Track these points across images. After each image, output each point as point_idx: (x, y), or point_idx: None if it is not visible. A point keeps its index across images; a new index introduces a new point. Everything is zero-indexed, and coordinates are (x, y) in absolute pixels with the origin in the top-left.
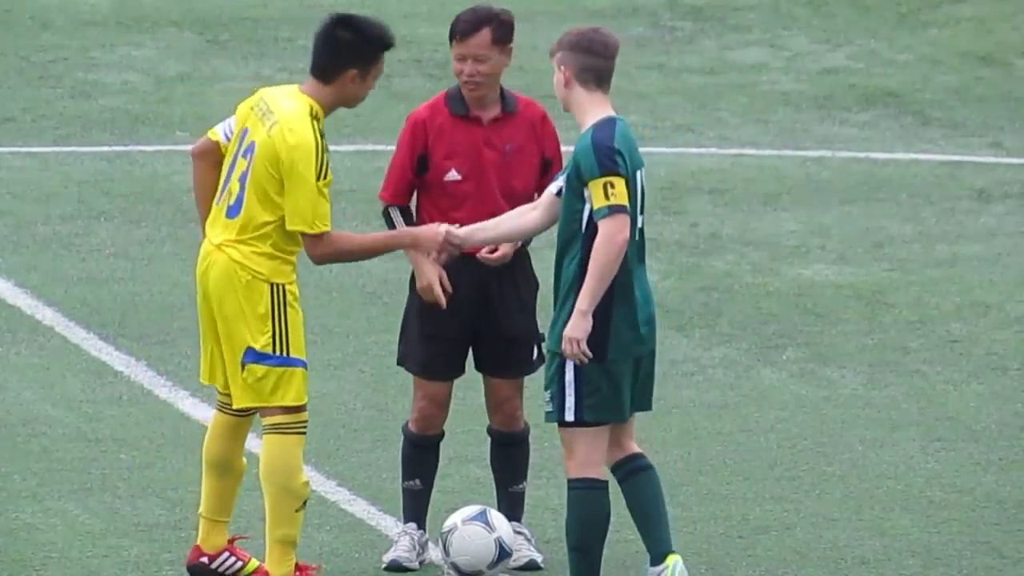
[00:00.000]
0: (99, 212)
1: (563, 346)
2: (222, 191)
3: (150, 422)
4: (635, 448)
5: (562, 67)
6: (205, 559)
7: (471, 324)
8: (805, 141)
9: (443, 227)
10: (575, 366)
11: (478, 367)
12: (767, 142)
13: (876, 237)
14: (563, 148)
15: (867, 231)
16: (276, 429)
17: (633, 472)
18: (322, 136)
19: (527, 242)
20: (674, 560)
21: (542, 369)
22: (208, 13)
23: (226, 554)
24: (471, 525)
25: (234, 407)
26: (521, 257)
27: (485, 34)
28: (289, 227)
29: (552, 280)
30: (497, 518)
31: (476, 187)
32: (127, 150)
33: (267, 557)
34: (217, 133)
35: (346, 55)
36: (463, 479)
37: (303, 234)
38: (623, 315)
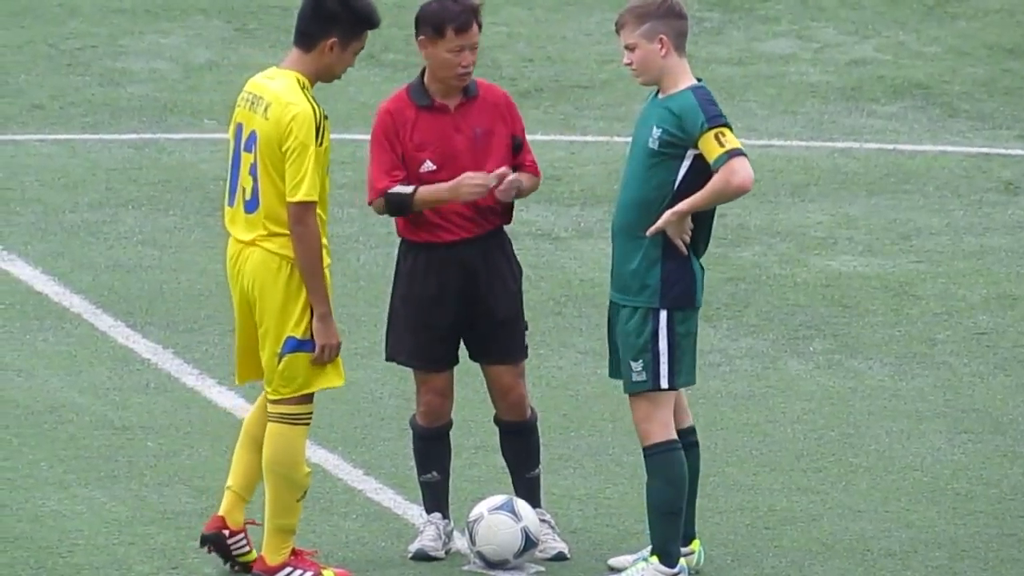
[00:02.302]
0: (127, 200)
1: (669, 230)
2: (232, 192)
3: (177, 410)
4: (690, 420)
5: (659, 37)
6: (227, 532)
7: (460, 311)
8: (833, 132)
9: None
10: (669, 331)
11: (473, 356)
12: (795, 133)
13: (903, 229)
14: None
15: (894, 223)
16: (283, 419)
17: (686, 447)
18: (316, 104)
19: (506, 222)
20: (699, 546)
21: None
22: (236, 1)
23: (241, 535)
24: (497, 514)
25: (270, 399)
26: (504, 241)
27: (476, 25)
28: (289, 198)
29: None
30: (523, 507)
31: (451, 175)
32: (155, 138)
33: (264, 544)
34: None
35: (329, 22)
36: (488, 468)
37: (292, 203)
38: (700, 269)
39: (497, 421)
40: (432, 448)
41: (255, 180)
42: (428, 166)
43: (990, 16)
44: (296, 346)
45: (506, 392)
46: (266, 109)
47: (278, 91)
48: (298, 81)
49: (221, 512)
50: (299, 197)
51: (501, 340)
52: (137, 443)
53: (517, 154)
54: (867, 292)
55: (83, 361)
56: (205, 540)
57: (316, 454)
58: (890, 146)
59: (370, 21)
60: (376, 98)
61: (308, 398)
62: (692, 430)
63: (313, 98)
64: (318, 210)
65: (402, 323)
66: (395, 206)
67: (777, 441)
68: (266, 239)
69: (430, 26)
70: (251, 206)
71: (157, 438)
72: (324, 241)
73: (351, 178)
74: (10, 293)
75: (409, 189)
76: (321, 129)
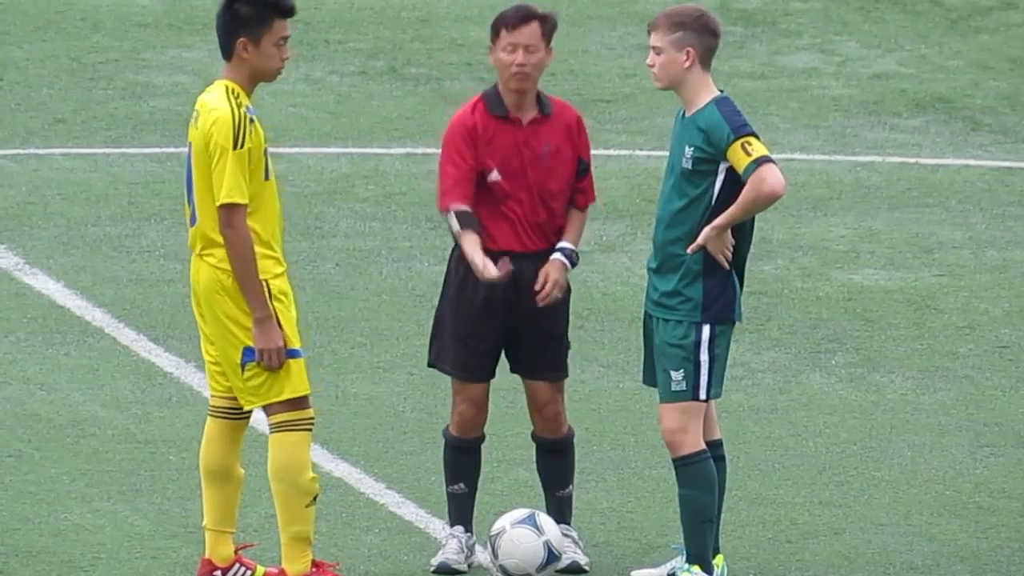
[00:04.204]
0: (149, 213)
1: (710, 246)
2: (187, 207)
3: (199, 423)
4: (719, 433)
5: (687, 49)
6: (218, 572)
7: (507, 324)
8: (855, 146)
9: (281, 340)
10: (710, 344)
11: (515, 369)
12: (817, 147)
13: (926, 242)
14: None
15: (917, 236)
16: (281, 427)
17: (714, 459)
18: (239, 107)
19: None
20: (723, 560)
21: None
22: None
23: (236, 565)
24: (520, 528)
25: (244, 409)
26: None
27: (535, 26)
28: (217, 203)
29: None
30: (546, 521)
31: (514, 187)
32: (177, 151)
33: (283, 556)
34: None
35: (233, 25)
36: (511, 482)
37: (219, 206)
38: (738, 281)
39: (534, 437)
40: (462, 459)
41: (190, 193)
42: (495, 176)
43: (1012, 30)
44: (254, 355)
45: (542, 407)
46: (196, 119)
47: (206, 100)
48: (227, 88)
49: (207, 555)
50: (220, 199)
51: (546, 355)
52: (159, 457)
53: (581, 178)
54: (889, 306)
55: (105, 375)
56: None
57: (338, 468)
58: (912, 160)
59: (276, 7)
60: (397, 111)
61: (299, 404)
62: (720, 443)
63: (238, 104)
64: (256, 213)
65: (448, 330)
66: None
67: (799, 455)
68: (209, 251)
69: (491, 30)
70: (193, 220)
71: (179, 452)
72: (274, 247)
73: (373, 192)
74: (33, 307)
75: (457, 228)
76: (240, 132)
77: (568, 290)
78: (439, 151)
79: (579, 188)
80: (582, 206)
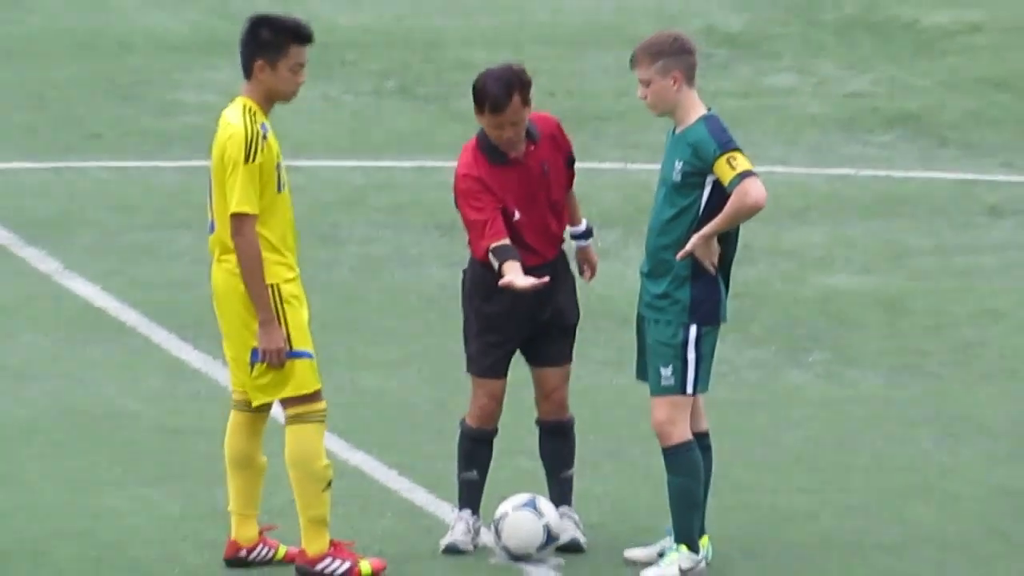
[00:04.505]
0: (179, 222)
1: (697, 253)
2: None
3: (224, 415)
4: (706, 425)
5: (672, 73)
6: (243, 552)
7: (530, 327)
8: (831, 160)
9: (283, 342)
10: (697, 343)
11: (530, 360)
12: (796, 160)
13: (896, 249)
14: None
15: (888, 243)
16: (295, 419)
17: (701, 449)
18: (253, 124)
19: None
20: (708, 542)
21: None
22: None
23: (260, 545)
24: (521, 512)
25: (253, 405)
26: (565, 259)
27: (516, 101)
28: (231, 210)
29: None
30: (545, 505)
31: (530, 218)
32: (204, 164)
33: (303, 537)
34: None
35: (253, 48)
36: (514, 470)
37: (231, 215)
38: (724, 285)
39: (538, 422)
40: (477, 449)
41: (211, 202)
42: (516, 215)
43: (977, 52)
44: (262, 356)
45: (550, 392)
46: (216, 135)
47: (225, 116)
48: (244, 106)
49: (233, 536)
50: (231, 209)
51: (558, 344)
52: (188, 446)
53: (569, 168)
54: (862, 307)
55: (138, 371)
56: (228, 565)
57: (354, 456)
58: (884, 173)
59: (295, 34)
60: (408, 128)
61: (312, 398)
62: (706, 434)
63: (253, 119)
64: (269, 222)
65: (476, 340)
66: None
67: (779, 445)
68: (225, 257)
69: (475, 101)
70: (211, 227)
71: (207, 441)
72: (286, 254)
73: (385, 202)
74: (71, 308)
75: (497, 264)
76: (252, 147)
77: (574, 278)
78: (449, 163)
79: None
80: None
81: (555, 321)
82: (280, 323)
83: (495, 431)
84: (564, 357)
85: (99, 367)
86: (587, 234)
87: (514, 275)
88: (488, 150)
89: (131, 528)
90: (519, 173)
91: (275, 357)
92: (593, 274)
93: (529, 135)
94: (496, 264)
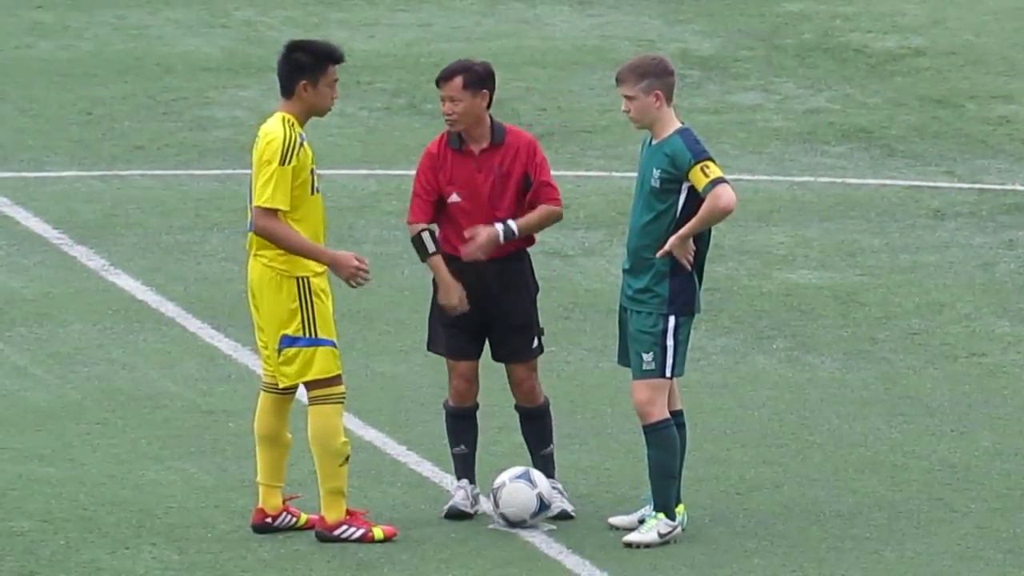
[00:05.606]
0: (212, 224)
1: (675, 252)
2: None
3: (253, 397)
4: (680, 404)
5: (654, 92)
6: (269, 519)
7: (482, 314)
8: (792, 169)
9: (354, 259)
10: (675, 331)
11: (494, 356)
12: (761, 169)
13: (850, 248)
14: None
15: (843, 243)
16: (317, 400)
17: (676, 426)
18: (292, 131)
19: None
20: (684, 509)
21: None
22: None
23: (284, 513)
24: (516, 482)
25: (280, 387)
26: (523, 262)
27: (457, 81)
28: (254, 204)
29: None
30: (538, 477)
31: (471, 206)
32: (235, 173)
33: (322, 506)
34: None
35: (296, 70)
36: (509, 445)
37: (256, 207)
38: (698, 279)
39: (516, 408)
40: (460, 425)
41: (250, 203)
42: (455, 198)
43: (921, 73)
44: (289, 342)
45: (519, 383)
46: (255, 142)
47: (265, 126)
48: (283, 118)
49: (260, 504)
50: (259, 202)
51: (514, 343)
52: (221, 424)
53: (526, 190)
54: (820, 300)
55: (176, 357)
56: (257, 531)
57: (368, 433)
58: (839, 180)
59: (331, 56)
60: (416, 141)
61: (333, 381)
62: (681, 413)
63: (291, 128)
64: (303, 222)
65: (437, 320)
66: (415, 245)
67: (746, 422)
68: (261, 252)
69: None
70: (250, 225)
71: (237, 420)
72: (317, 270)
73: (396, 207)
74: (116, 301)
75: (433, 248)
76: (290, 151)
77: (536, 288)
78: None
79: (537, 199)
80: (544, 200)
81: (501, 321)
82: (309, 314)
83: (475, 406)
84: (523, 354)
85: (141, 353)
86: (505, 224)
87: (443, 293)
88: (452, 135)
89: (169, 497)
90: (469, 162)
91: (353, 272)
92: (466, 251)
93: (494, 136)
94: (431, 247)
